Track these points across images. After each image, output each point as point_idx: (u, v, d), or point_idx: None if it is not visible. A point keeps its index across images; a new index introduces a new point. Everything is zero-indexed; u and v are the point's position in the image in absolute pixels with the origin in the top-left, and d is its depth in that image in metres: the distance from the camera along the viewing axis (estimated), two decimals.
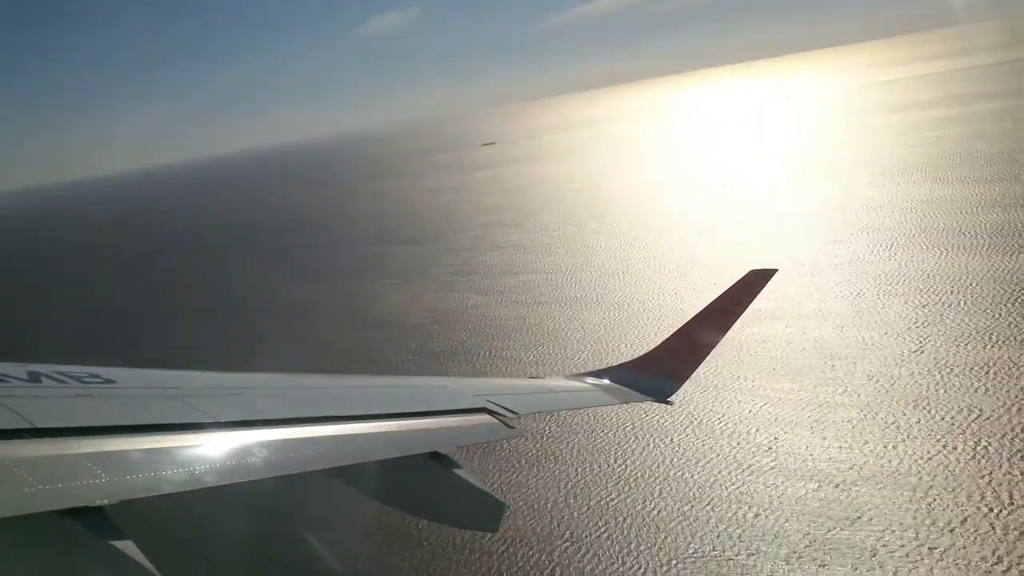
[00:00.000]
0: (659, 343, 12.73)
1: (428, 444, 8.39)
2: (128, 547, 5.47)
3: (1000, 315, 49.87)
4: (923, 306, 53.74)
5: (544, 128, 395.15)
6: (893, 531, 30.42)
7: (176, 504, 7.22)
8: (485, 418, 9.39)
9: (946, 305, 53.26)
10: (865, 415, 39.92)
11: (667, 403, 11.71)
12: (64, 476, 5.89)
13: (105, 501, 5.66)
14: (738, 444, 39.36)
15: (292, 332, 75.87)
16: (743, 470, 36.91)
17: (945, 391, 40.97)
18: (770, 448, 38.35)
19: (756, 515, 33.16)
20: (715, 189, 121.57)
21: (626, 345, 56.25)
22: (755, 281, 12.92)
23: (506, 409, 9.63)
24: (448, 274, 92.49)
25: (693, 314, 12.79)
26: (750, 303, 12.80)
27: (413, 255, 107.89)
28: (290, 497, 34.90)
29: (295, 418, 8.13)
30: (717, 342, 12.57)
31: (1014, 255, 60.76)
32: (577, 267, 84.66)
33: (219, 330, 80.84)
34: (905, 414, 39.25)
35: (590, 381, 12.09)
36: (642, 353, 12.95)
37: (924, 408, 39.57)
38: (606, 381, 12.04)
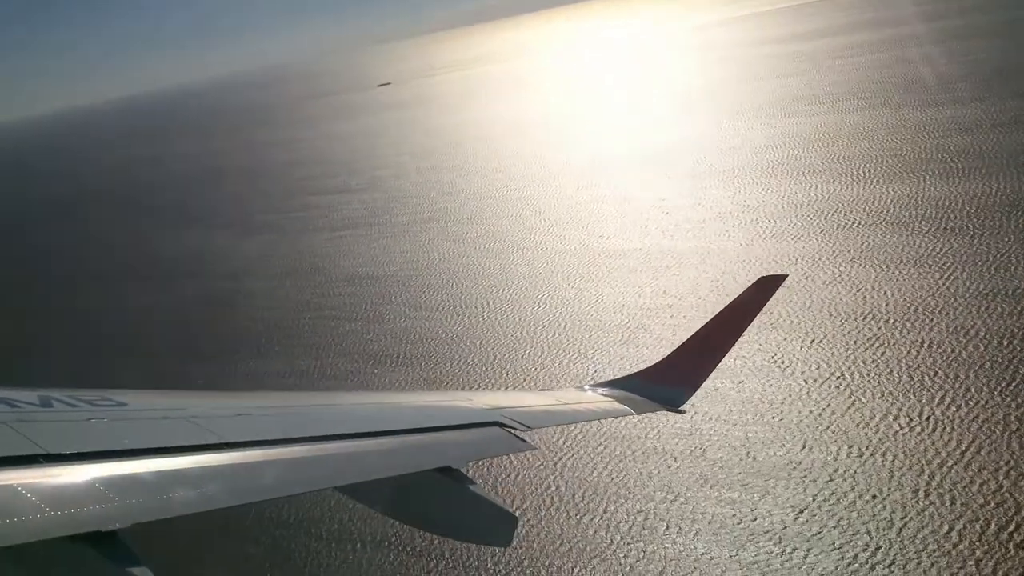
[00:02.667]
0: (670, 352, 12.51)
1: (439, 459, 8.33)
2: (144, 573, 5.42)
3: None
4: None
5: (434, 67, 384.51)
6: None
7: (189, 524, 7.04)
8: (497, 432, 9.21)
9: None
10: None
11: (680, 412, 11.82)
12: (76, 501, 5.86)
13: (118, 525, 5.60)
14: None
15: (271, 296, 69.99)
16: None
17: None
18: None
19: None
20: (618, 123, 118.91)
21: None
22: (765, 287, 12.72)
23: (518, 422, 9.44)
24: (405, 223, 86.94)
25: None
26: (760, 309, 12.84)
27: (352, 204, 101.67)
28: None
29: (305, 437, 8.01)
30: (728, 349, 12.55)
31: None
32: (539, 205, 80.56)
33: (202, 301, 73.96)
34: None
35: (602, 392, 11.99)
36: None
37: None
38: (619, 391, 11.94)
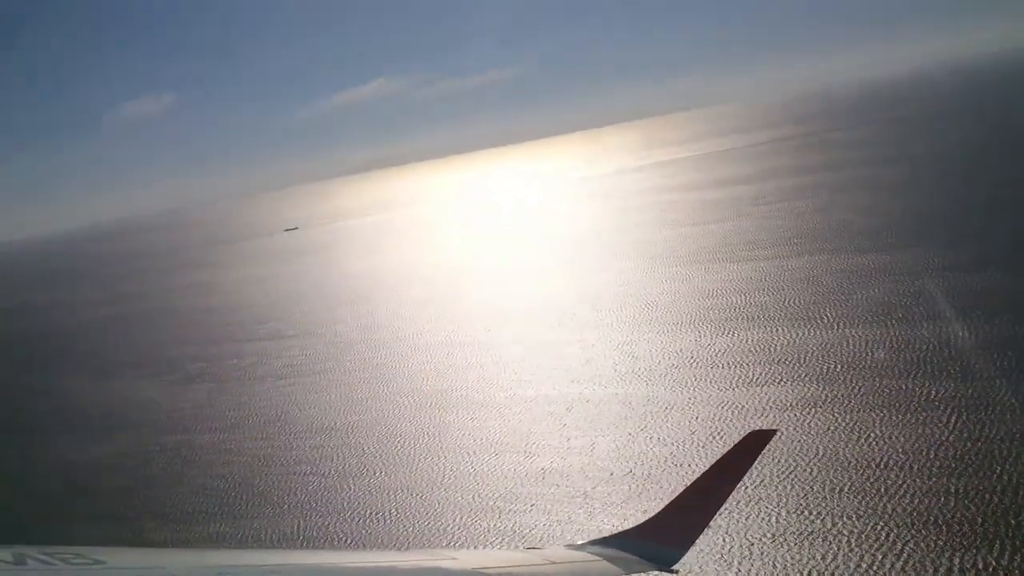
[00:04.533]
0: (661, 509, 12.22)
1: None
2: None
3: None
4: None
5: (336, 213, 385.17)
6: None
7: None
8: None
9: None
10: None
11: (672, 572, 11.31)
12: None
13: None
14: None
15: (226, 450, 66.43)
16: None
17: None
18: None
19: None
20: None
21: None
22: (755, 441, 12.71)
23: None
24: (353, 370, 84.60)
25: None
26: (752, 463, 12.90)
27: (291, 350, 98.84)
28: None
29: None
30: (720, 505, 12.46)
31: None
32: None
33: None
34: None
35: (592, 551, 11.71)
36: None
37: None
38: (609, 550, 11.60)
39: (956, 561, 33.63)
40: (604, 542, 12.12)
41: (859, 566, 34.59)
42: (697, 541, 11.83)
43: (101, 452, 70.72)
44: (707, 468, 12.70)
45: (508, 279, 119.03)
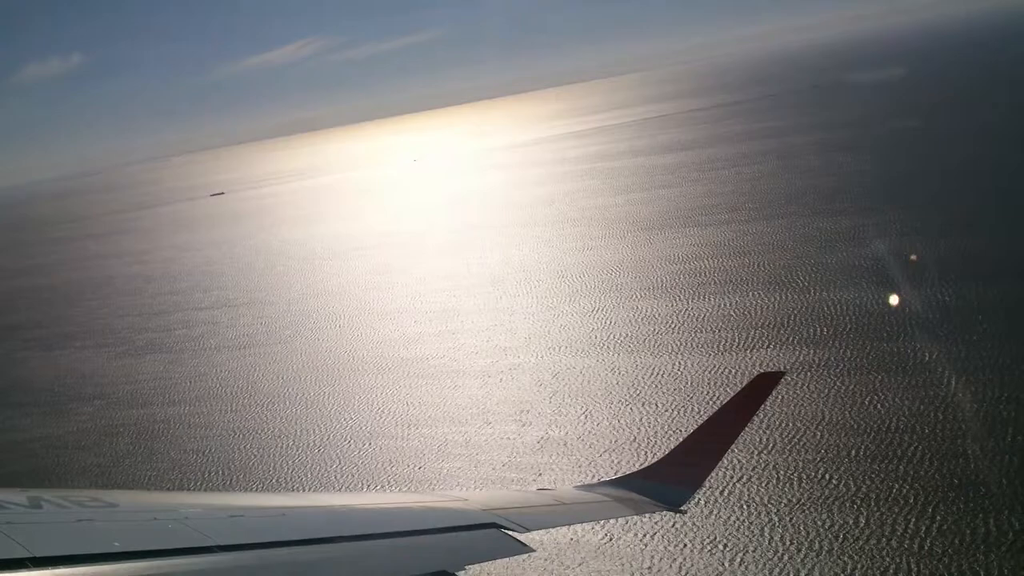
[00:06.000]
0: (669, 451, 12.46)
1: (436, 563, 8.20)
2: None
3: None
4: None
5: (261, 178, 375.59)
6: None
7: None
8: (495, 534, 9.12)
9: None
10: None
11: (680, 512, 11.61)
12: None
13: None
14: None
15: (197, 424, 64.08)
16: None
17: None
18: None
19: None
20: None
21: None
22: (763, 384, 12.91)
23: (516, 524, 9.37)
24: (316, 339, 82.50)
25: None
26: (759, 406, 12.94)
27: (244, 318, 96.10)
28: None
29: (300, 540, 7.81)
30: (728, 447, 12.52)
31: None
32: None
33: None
34: None
35: (602, 491, 11.89)
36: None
37: None
38: (619, 490, 11.80)
39: (991, 525, 33.77)
40: (614, 483, 12.22)
41: (894, 529, 34.55)
42: (705, 482, 11.97)
43: (60, 430, 67.50)
44: (715, 410, 12.98)
45: (462, 247, 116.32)
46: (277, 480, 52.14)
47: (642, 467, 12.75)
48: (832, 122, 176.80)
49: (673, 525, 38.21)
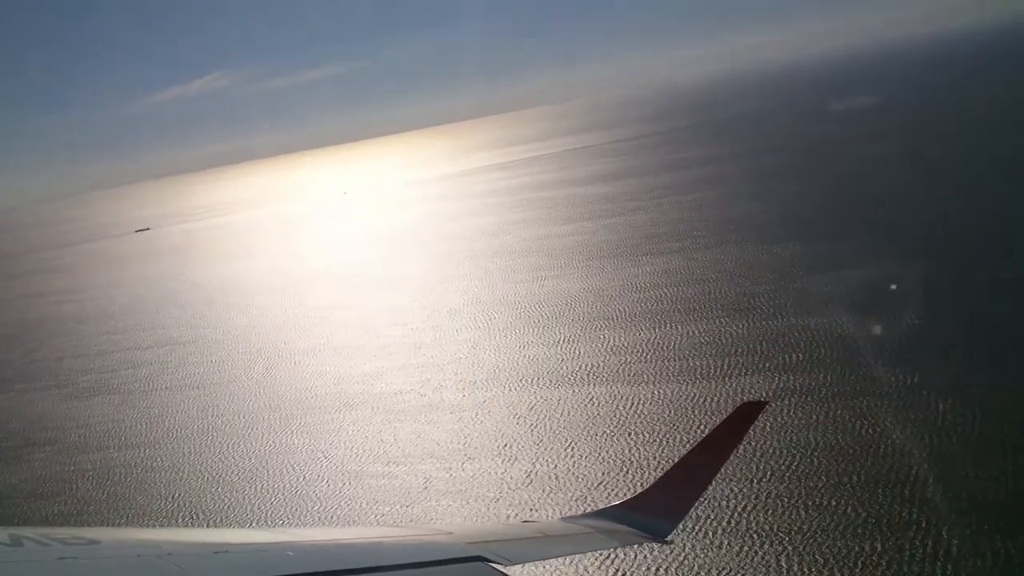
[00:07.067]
0: (654, 481, 12.51)
1: None
2: None
3: None
4: None
5: (184, 213, 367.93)
6: None
7: None
8: (480, 567, 9.10)
9: None
10: None
11: (666, 543, 11.74)
12: None
13: None
14: None
15: (167, 468, 61.69)
16: None
17: None
18: None
19: None
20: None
21: None
22: (747, 413, 12.91)
23: (501, 557, 9.34)
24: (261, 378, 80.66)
25: None
26: (743, 435, 13.00)
27: (192, 357, 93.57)
28: None
29: (285, 575, 7.71)
30: (713, 477, 12.58)
31: None
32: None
33: None
34: None
35: (587, 523, 11.91)
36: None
37: None
38: (603, 522, 11.80)
39: (1011, 546, 34.29)
40: (599, 514, 12.22)
41: (913, 554, 34.89)
42: (690, 513, 11.99)
43: (14, 478, 64.62)
44: (699, 441, 12.97)
45: (406, 281, 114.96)
46: (257, 524, 50.50)
47: (626, 498, 12.74)
48: (754, 149, 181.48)
49: (659, 556, 38.27)
